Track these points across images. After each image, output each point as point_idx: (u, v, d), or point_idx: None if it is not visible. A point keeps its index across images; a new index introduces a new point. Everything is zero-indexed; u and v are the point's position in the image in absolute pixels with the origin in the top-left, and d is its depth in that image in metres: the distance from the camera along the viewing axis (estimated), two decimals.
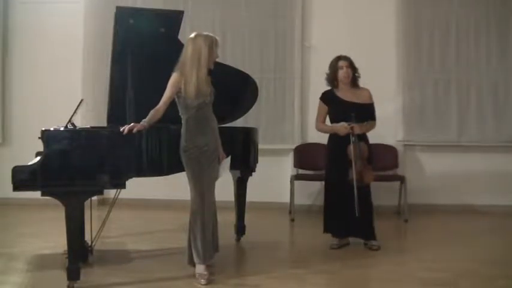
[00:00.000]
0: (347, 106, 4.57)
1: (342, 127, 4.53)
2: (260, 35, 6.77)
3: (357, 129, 4.50)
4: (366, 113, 4.59)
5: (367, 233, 4.63)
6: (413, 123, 6.61)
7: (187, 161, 3.72)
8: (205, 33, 3.77)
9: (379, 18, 6.60)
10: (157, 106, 3.64)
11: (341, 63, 4.64)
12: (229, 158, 3.98)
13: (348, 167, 4.50)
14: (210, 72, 3.79)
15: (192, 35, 3.73)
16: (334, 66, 4.68)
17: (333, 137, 4.68)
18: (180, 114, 3.74)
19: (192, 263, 3.80)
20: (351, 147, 4.49)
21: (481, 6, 6.52)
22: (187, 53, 3.67)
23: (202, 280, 3.68)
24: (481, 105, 6.55)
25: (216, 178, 3.87)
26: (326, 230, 4.74)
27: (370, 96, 4.68)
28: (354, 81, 4.67)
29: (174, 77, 3.67)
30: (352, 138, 4.48)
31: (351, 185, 4.46)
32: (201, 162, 3.71)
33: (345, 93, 4.66)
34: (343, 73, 4.63)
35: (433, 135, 6.58)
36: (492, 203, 6.42)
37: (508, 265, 4.21)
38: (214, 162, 3.81)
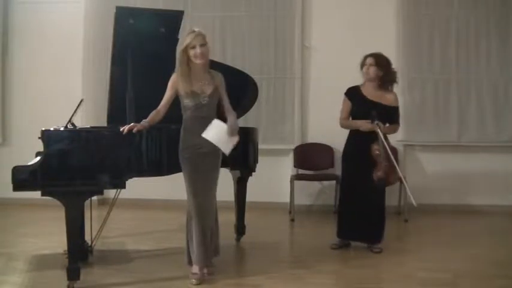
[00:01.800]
0: (370, 105, 4.49)
1: (367, 122, 4.42)
2: (260, 35, 6.76)
3: (382, 125, 4.41)
4: (387, 115, 4.52)
5: (375, 235, 4.56)
6: (413, 123, 6.60)
7: (182, 162, 3.70)
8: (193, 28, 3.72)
9: (379, 19, 6.60)
10: (158, 108, 3.66)
11: (367, 60, 4.58)
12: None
13: (370, 167, 4.40)
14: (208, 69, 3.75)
15: (202, 33, 3.69)
16: (362, 63, 4.62)
17: (354, 135, 4.58)
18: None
19: (191, 263, 3.79)
20: (379, 145, 4.36)
21: (481, 7, 6.51)
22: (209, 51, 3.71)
23: (193, 280, 3.68)
24: (481, 105, 6.54)
25: (211, 181, 3.75)
26: (339, 235, 4.66)
27: (396, 100, 4.63)
28: (382, 82, 4.57)
29: (171, 78, 3.68)
30: (380, 135, 4.35)
31: (371, 186, 4.39)
32: (195, 163, 3.67)
33: (370, 92, 4.57)
34: (365, 69, 4.57)
35: (433, 135, 6.58)
36: (492, 203, 6.42)
37: (508, 265, 4.21)
38: (211, 164, 3.74)
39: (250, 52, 6.75)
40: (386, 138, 4.52)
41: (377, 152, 4.38)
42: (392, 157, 4.37)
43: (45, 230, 5.33)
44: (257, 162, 4.85)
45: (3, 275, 3.90)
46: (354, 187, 4.54)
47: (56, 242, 4.56)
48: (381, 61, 4.55)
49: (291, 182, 6.35)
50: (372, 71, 4.53)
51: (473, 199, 6.51)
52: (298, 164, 6.58)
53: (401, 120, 6.44)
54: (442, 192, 6.53)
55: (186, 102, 3.65)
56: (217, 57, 6.20)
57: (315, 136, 6.62)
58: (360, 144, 4.47)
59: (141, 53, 4.14)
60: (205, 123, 3.68)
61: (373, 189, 4.45)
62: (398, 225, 5.97)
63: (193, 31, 3.64)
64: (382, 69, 4.55)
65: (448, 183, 6.53)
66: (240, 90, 4.64)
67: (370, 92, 4.58)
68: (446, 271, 3.99)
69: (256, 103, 4.87)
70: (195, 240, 3.70)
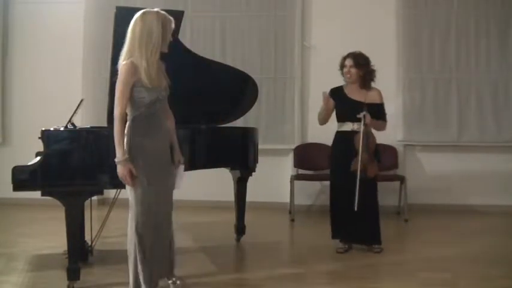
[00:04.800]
0: (354, 105, 4.43)
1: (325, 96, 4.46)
2: (260, 35, 6.77)
3: (368, 118, 4.32)
4: (373, 113, 4.43)
5: (371, 235, 4.49)
6: (413, 123, 6.61)
7: (137, 171, 3.10)
8: (155, 9, 3.13)
9: (379, 18, 6.61)
10: (121, 115, 3.06)
11: (346, 61, 4.52)
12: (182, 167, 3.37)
13: (352, 159, 4.38)
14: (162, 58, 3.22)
15: (139, 13, 3.10)
16: (341, 64, 4.57)
17: (339, 134, 4.55)
18: (126, 111, 3.13)
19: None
20: (360, 135, 4.33)
21: (481, 6, 6.52)
22: (134, 34, 3.05)
23: None
24: (481, 105, 6.55)
25: (172, 189, 3.31)
26: (334, 236, 4.58)
27: (379, 97, 4.54)
28: (363, 81, 4.50)
29: (127, 66, 3.07)
30: (363, 127, 4.32)
31: (354, 181, 4.31)
32: (147, 172, 3.10)
33: (353, 92, 4.52)
34: (345, 72, 4.52)
35: (433, 135, 6.59)
36: (492, 203, 6.42)
37: (508, 265, 4.21)
38: (166, 171, 3.23)
39: (250, 52, 6.76)
40: (370, 134, 4.47)
41: (357, 141, 4.35)
42: (367, 149, 4.34)
43: (45, 230, 5.33)
44: (257, 162, 4.85)
45: (3, 275, 3.89)
46: (342, 187, 4.47)
47: (56, 242, 4.56)
48: (360, 61, 4.48)
49: (291, 182, 6.35)
50: (353, 72, 4.48)
51: (473, 199, 6.51)
52: (298, 164, 6.58)
53: (401, 120, 6.60)
54: (442, 192, 6.53)
55: (142, 96, 3.08)
56: (217, 57, 6.24)
57: (315, 136, 6.62)
58: (344, 144, 4.44)
59: None
60: (158, 123, 3.18)
61: (364, 188, 4.35)
62: (398, 225, 5.98)
63: (170, 18, 3.15)
64: (362, 69, 4.48)
65: (448, 183, 6.53)
66: (240, 90, 4.65)
67: (353, 92, 4.52)
68: (446, 271, 3.99)
69: (256, 103, 4.86)
70: (146, 257, 3.13)
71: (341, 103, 4.56)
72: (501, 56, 6.52)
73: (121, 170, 3.08)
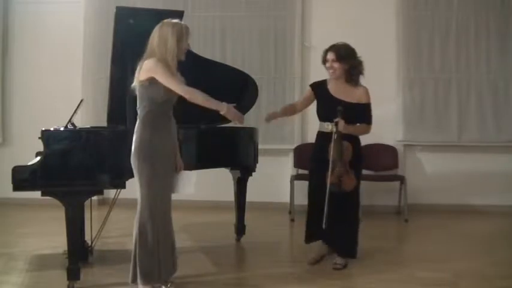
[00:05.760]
0: (334, 102, 3.94)
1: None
2: (260, 35, 6.77)
3: (341, 125, 3.83)
4: (355, 113, 3.95)
5: (345, 249, 4.08)
6: (413, 123, 6.61)
7: (139, 164, 3.28)
8: (174, 20, 3.37)
9: (379, 18, 6.60)
10: (189, 88, 3.28)
11: (328, 55, 4.03)
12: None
13: (327, 169, 3.88)
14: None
15: (159, 24, 3.36)
16: (323, 58, 4.10)
17: (319, 134, 4.14)
18: (137, 107, 3.35)
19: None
20: (332, 145, 3.87)
21: (481, 7, 6.52)
22: (153, 41, 3.33)
23: None
24: (481, 105, 6.55)
25: (172, 191, 3.45)
26: (307, 239, 4.22)
27: (365, 96, 4.02)
28: (349, 78, 4.03)
29: (152, 61, 3.27)
30: (334, 136, 3.84)
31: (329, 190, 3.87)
32: (155, 166, 3.28)
33: (336, 88, 4.04)
34: (328, 67, 4.04)
35: (433, 135, 6.58)
36: (492, 203, 6.42)
37: (508, 265, 4.22)
38: (170, 169, 3.41)
39: (250, 52, 6.75)
40: (353, 140, 4.02)
41: (330, 153, 3.88)
42: (341, 160, 3.90)
43: (45, 230, 5.33)
44: (257, 162, 4.85)
45: (3, 275, 3.89)
46: (319, 190, 3.96)
47: (56, 242, 4.56)
48: (343, 54, 3.99)
49: (291, 182, 6.34)
50: (336, 67, 3.99)
51: (473, 199, 6.51)
52: (298, 164, 6.57)
53: (401, 120, 6.59)
54: (442, 192, 6.53)
55: (160, 94, 3.28)
56: (217, 57, 6.24)
57: (314, 136, 6.60)
58: (324, 143, 3.96)
59: (141, 53, 4.12)
60: (167, 122, 3.38)
61: (342, 202, 3.94)
62: (399, 225, 5.98)
63: (187, 27, 3.41)
64: (347, 63, 3.99)
65: (448, 183, 6.53)
66: (240, 90, 4.65)
67: (336, 88, 4.04)
68: (446, 271, 3.99)
69: (256, 103, 4.86)
70: (166, 251, 3.34)
71: (322, 100, 4.10)
72: (501, 56, 6.52)
73: (231, 110, 3.30)
